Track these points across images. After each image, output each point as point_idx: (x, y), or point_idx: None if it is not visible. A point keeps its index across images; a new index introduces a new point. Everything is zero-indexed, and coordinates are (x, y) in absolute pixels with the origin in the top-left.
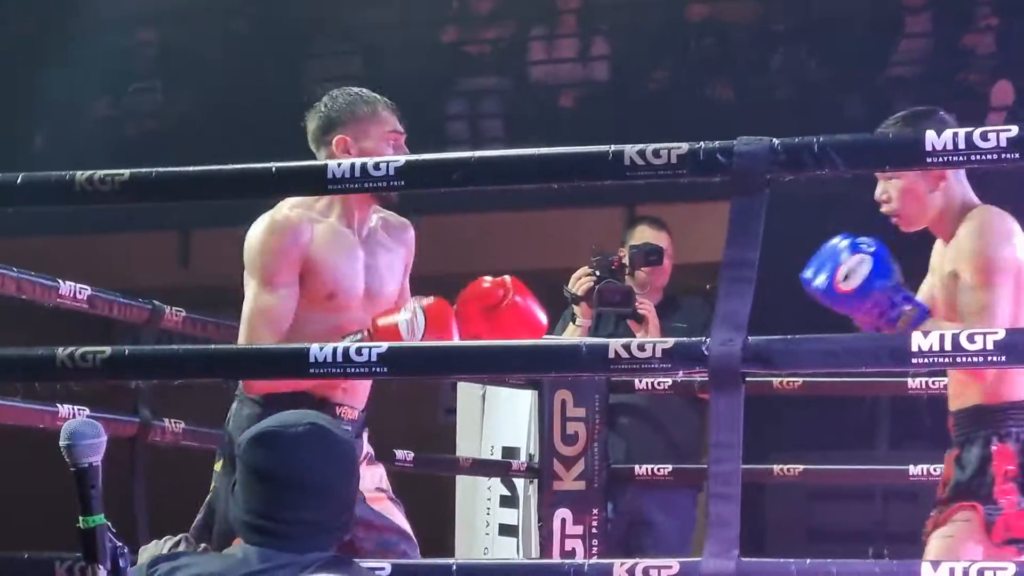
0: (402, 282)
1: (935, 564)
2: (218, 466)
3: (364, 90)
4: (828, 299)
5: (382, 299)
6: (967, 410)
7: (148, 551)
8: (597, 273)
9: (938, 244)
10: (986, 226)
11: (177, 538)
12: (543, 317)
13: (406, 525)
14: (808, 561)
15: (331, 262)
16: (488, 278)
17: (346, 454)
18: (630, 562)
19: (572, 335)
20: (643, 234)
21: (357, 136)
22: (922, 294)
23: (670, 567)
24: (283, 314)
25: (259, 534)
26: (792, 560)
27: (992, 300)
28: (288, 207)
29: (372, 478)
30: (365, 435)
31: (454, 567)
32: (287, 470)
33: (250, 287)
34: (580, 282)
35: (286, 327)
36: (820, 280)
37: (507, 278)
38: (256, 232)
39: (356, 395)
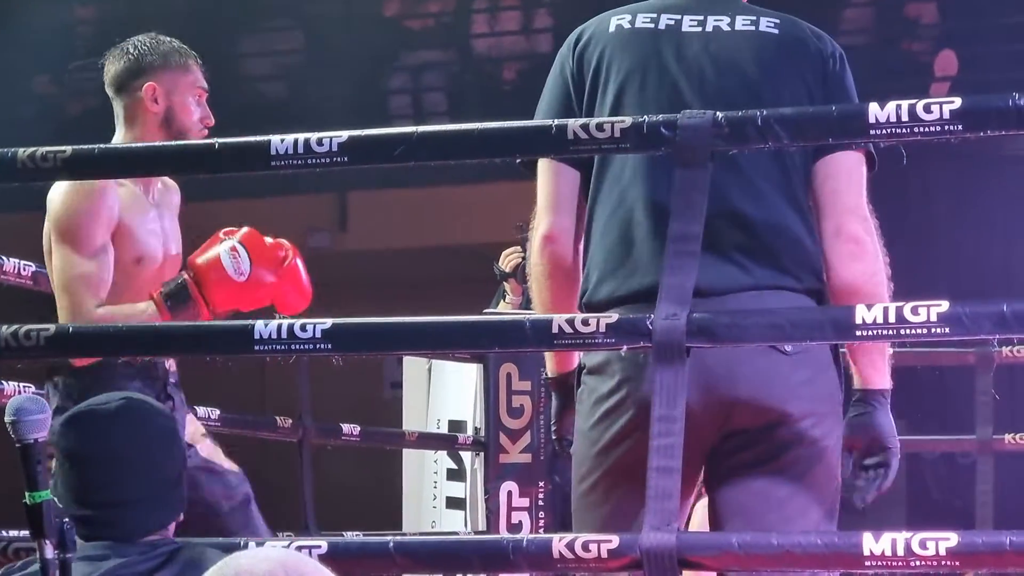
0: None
1: (876, 534)
2: None
3: (174, 40)
4: None
5: (174, 262)
6: None
7: None
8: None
9: None
10: None
11: None
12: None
13: (231, 464)
14: (749, 534)
15: (136, 227)
16: (268, 238)
17: (163, 427)
18: (569, 536)
19: (503, 311)
20: None
21: (167, 86)
22: None
23: (609, 541)
24: (103, 279)
25: (85, 525)
26: (734, 533)
27: None
28: None
29: (192, 424)
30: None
31: (391, 544)
32: (101, 449)
33: (62, 254)
34: (508, 259)
35: (107, 292)
36: None
37: (284, 241)
38: (63, 196)
39: None
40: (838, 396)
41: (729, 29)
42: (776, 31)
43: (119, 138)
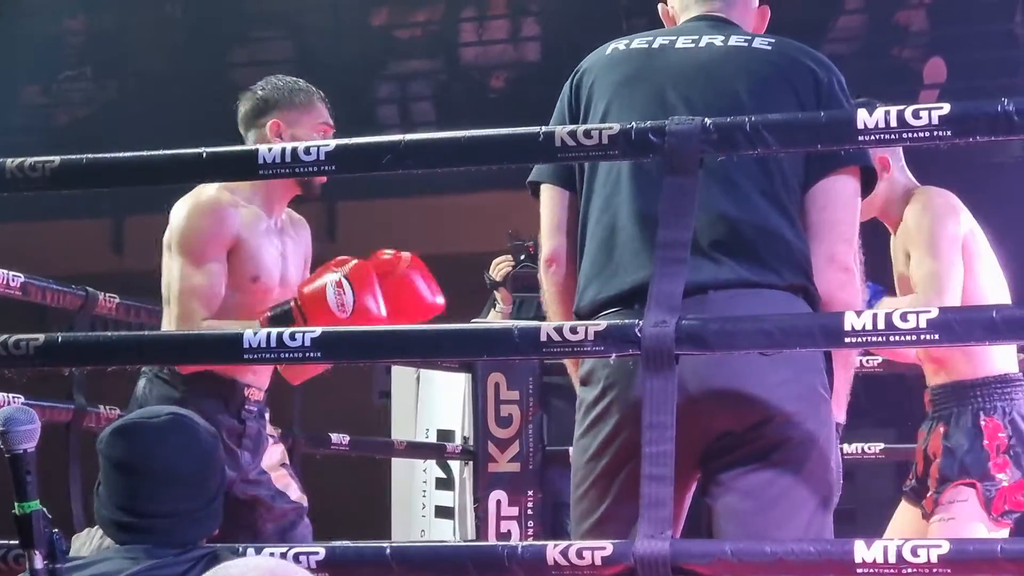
0: (304, 275)
1: (869, 542)
2: None
3: (301, 80)
4: None
5: (294, 287)
6: (948, 385)
7: (80, 539)
8: (522, 257)
9: (893, 238)
10: (928, 204)
11: None
12: (438, 299)
13: (302, 498)
14: (743, 541)
15: (256, 246)
16: (388, 251)
17: (208, 443)
18: (563, 544)
19: (494, 320)
20: None
21: (291, 122)
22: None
23: (603, 548)
24: (215, 291)
25: (127, 532)
26: (727, 540)
27: (941, 269)
28: (215, 188)
29: (275, 455)
30: (267, 415)
31: (388, 550)
32: (149, 461)
33: (176, 266)
34: (499, 267)
35: (218, 304)
36: None
37: (407, 255)
38: (184, 211)
39: (263, 376)
40: (824, 394)
41: (722, 45)
42: (769, 48)
43: None
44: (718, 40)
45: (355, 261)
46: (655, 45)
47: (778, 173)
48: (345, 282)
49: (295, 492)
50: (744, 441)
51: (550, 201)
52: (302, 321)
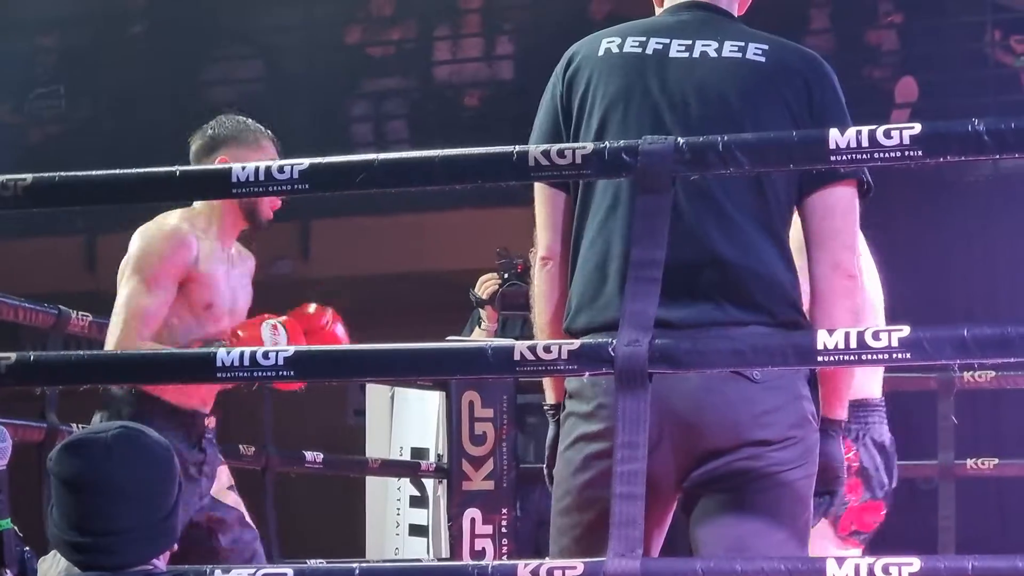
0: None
1: (840, 560)
2: None
3: (251, 120)
4: None
5: (240, 314)
6: None
7: (47, 562)
8: (505, 276)
9: None
10: None
11: None
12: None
13: (248, 517)
14: (712, 560)
15: (213, 275)
16: (313, 305)
17: (160, 456)
18: (534, 563)
19: (478, 338)
20: None
21: (237, 159)
22: None
23: (574, 567)
24: (157, 316)
25: (80, 552)
26: (698, 559)
27: None
28: (177, 218)
29: (223, 477)
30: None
31: (357, 570)
32: (99, 476)
33: (128, 285)
34: (485, 285)
35: (156, 329)
36: None
37: (330, 309)
38: (146, 235)
39: (212, 402)
40: (811, 425)
41: (716, 55)
42: (763, 59)
43: (197, 206)
44: (711, 49)
45: (285, 316)
46: (648, 50)
47: (771, 191)
48: (280, 326)
49: (242, 512)
50: (724, 466)
51: (548, 201)
52: None
